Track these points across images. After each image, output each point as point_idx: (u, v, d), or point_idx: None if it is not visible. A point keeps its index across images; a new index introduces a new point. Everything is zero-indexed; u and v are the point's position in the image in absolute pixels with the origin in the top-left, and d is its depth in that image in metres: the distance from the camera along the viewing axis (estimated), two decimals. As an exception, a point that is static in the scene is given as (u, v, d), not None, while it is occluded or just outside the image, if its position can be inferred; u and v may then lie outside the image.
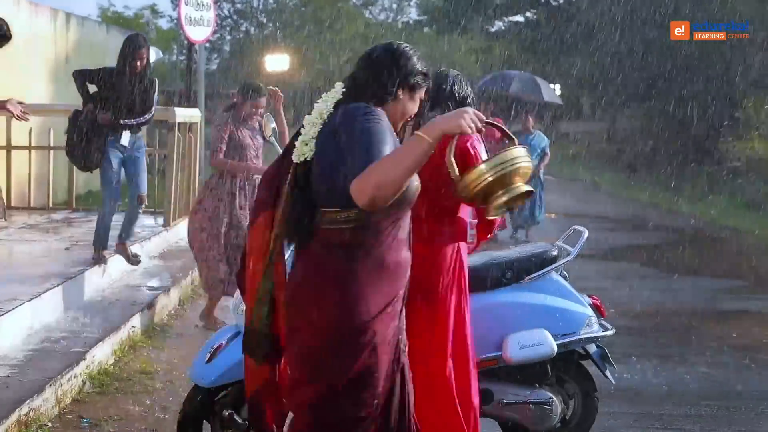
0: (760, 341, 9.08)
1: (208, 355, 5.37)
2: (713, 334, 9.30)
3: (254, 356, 4.17)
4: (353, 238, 3.80)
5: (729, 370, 8.06)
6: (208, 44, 31.38)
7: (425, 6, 46.21)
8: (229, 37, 46.08)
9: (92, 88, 9.19)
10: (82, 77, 9.30)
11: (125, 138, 9.12)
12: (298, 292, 3.90)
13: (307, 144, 3.88)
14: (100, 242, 9.36)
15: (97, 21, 25.41)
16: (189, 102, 15.83)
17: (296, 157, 3.91)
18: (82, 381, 6.88)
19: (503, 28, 37.40)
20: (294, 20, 43.57)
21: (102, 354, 7.39)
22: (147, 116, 9.15)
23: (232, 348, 5.39)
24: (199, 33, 15.13)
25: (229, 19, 45.00)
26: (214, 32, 21.80)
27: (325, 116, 3.90)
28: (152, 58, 27.21)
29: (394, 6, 52.18)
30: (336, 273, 3.82)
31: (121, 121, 8.98)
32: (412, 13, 51.95)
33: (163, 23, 48.05)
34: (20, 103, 7.71)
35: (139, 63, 9.04)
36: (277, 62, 29.49)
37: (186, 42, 15.81)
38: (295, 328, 3.91)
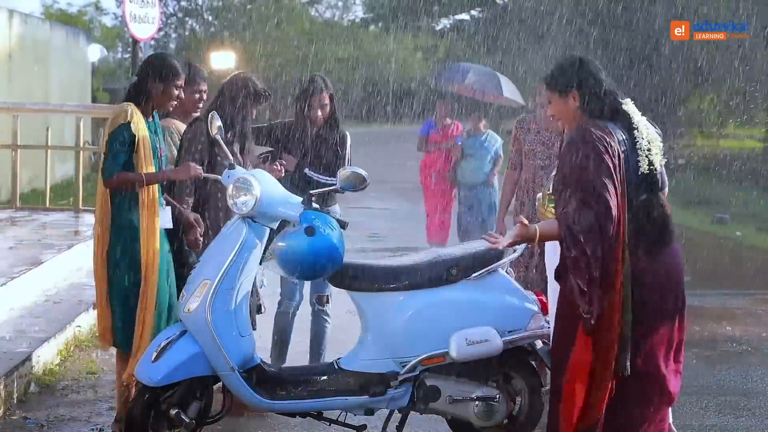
0: (702, 336, 9.19)
1: (155, 354, 5.36)
2: (657, 330, 9.39)
3: (621, 365, 4.69)
4: None
5: (672, 365, 8.15)
6: (153, 42, 31.20)
7: (371, 4, 46.23)
8: (174, 35, 45.81)
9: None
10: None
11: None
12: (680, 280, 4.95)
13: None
14: (280, 357, 7.08)
15: (41, 18, 25.17)
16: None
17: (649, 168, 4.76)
18: (28, 381, 6.83)
19: (448, 26, 37.47)
20: (240, 18, 43.45)
21: (47, 354, 7.33)
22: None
23: (179, 346, 5.39)
24: (143, 30, 15.00)
25: (174, 17, 44.77)
26: (159, 30, 21.67)
27: None
28: (96, 56, 26.90)
29: (340, 4, 52.26)
30: None
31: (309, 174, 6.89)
32: (358, 11, 52.02)
33: (108, 20, 47.67)
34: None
35: (320, 112, 7.01)
36: (222, 60, 29.40)
37: (131, 40, 15.67)
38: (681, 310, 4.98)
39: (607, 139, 4.63)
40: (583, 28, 26.20)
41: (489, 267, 5.65)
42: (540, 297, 5.91)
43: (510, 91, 14.59)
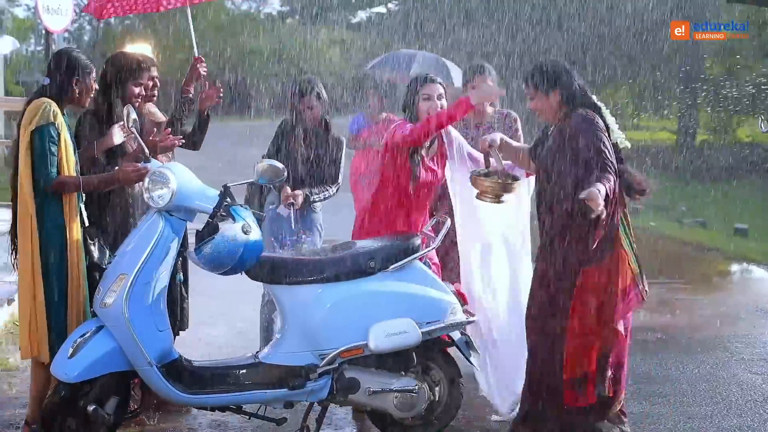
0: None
1: (71, 350, 5.30)
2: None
3: None
4: None
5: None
6: (66, 34, 30.80)
7: (287, -4, 46.11)
8: (88, 27, 45.24)
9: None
10: None
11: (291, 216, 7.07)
12: None
13: None
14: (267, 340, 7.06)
15: (-51, 10, 24.69)
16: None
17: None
18: (-60, 380, 6.72)
19: (365, 19, 37.50)
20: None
21: (-40, 352, 7.22)
22: (332, 188, 7.20)
23: (95, 342, 5.33)
24: (57, 22, 14.81)
25: (88, 9, 44.20)
26: (73, 21, 21.36)
27: None
28: (8, 48, 26.45)
29: (257, -4, 51.96)
30: None
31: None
32: (275, 4, 51.77)
33: (20, 12, 46.91)
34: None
35: (309, 112, 7.12)
36: (138, 52, 29.15)
37: (44, 31, 15.46)
38: None
39: (600, 121, 5.59)
40: (493, 19, 26.39)
41: (407, 258, 5.68)
42: (458, 288, 5.96)
43: (459, 79, 12.84)
